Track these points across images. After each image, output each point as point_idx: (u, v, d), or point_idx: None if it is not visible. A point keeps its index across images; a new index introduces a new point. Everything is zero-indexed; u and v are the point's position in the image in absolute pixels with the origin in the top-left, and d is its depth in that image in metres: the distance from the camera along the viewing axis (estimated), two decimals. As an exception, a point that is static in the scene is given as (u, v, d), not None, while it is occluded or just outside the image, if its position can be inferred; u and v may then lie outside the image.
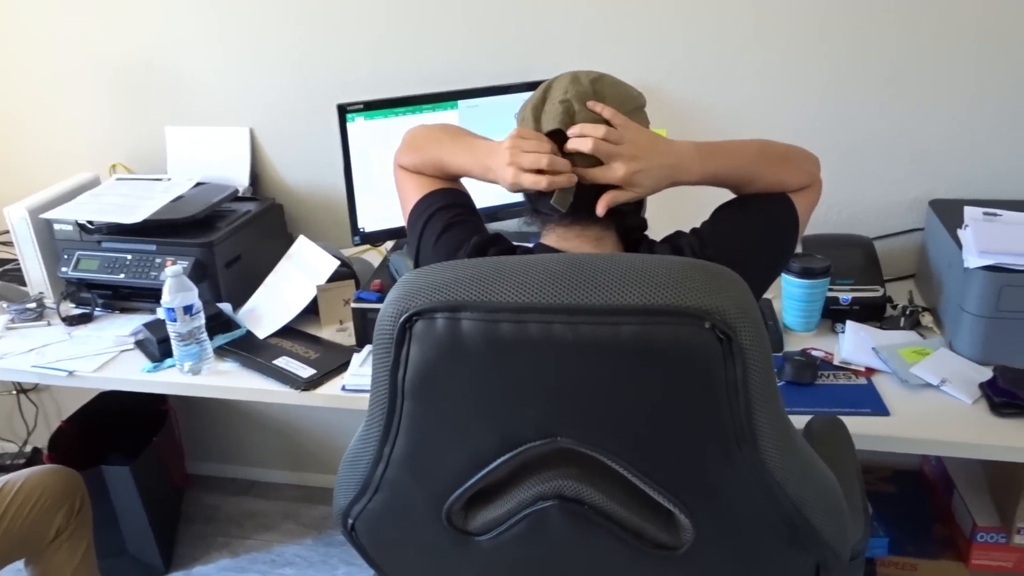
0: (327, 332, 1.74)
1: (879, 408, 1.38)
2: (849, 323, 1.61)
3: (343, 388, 1.54)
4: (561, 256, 0.83)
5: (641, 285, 0.75)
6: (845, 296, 1.65)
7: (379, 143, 1.71)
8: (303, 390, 1.54)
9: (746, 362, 0.75)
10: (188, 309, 1.57)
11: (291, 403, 1.56)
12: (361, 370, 1.58)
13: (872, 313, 1.65)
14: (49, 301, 1.90)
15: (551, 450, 0.83)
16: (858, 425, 1.35)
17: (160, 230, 1.81)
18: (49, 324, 1.84)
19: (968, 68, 1.70)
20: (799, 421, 1.35)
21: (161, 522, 2.24)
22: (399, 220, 1.82)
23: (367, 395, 0.88)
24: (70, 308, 1.87)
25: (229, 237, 1.84)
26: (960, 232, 1.55)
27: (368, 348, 1.65)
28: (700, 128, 1.85)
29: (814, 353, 1.55)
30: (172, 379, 1.62)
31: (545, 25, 1.84)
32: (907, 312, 1.65)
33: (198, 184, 2.00)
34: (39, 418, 2.57)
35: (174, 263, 1.78)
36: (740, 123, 1.83)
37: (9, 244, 2.00)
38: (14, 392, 2.50)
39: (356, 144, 1.69)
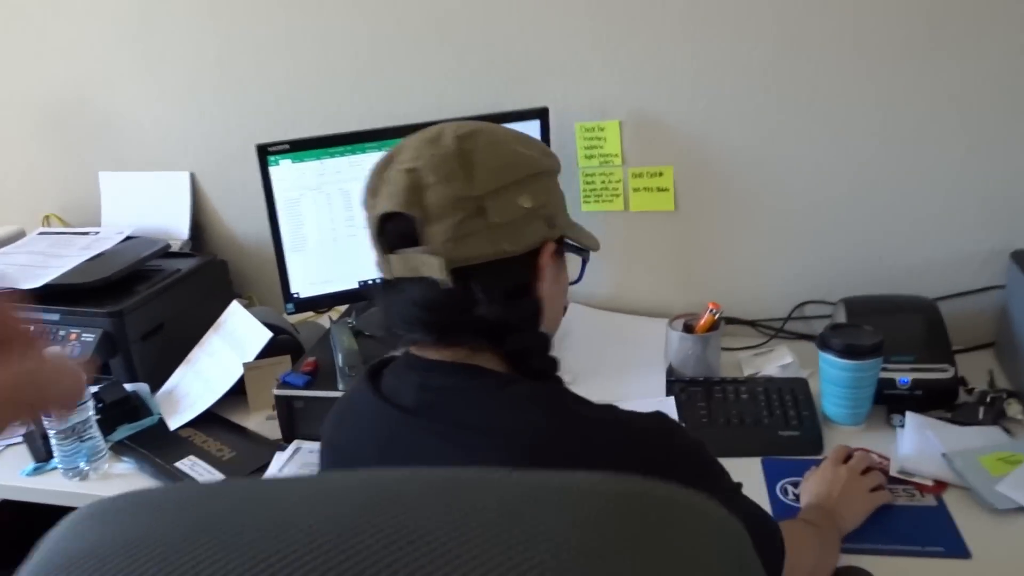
0: (256, 420, 1.43)
1: (955, 547, 1.00)
2: (910, 416, 1.23)
3: (253, 501, 1.21)
4: (297, 504, 0.38)
5: None
6: (904, 377, 1.27)
7: (310, 191, 1.40)
8: (203, 503, 1.22)
9: None
10: (68, 399, 1.26)
11: (189, 519, 1.23)
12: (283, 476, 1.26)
13: (940, 399, 1.27)
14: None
15: None
16: (927, 572, 0.97)
17: (68, 296, 1.53)
18: (-61, 408, 1.55)
19: (1056, 83, 1.33)
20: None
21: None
22: (341, 283, 1.52)
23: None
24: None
25: (148, 303, 1.54)
26: (1057, 296, 1.17)
27: (296, 445, 1.32)
28: (715, 170, 1.51)
29: (864, 458, 1.18)
30: (54, 485, 1.31)
31: (519, 47, 1.52)
32: (987, 399, 1.26)
33: (128, 238, 1.72)
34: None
35: (78, 337, 1.50)
36: (764, 163, 1.48)
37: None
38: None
39: (283, 193, 1.39)
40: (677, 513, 0.36)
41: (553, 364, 0.82)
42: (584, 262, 0.91)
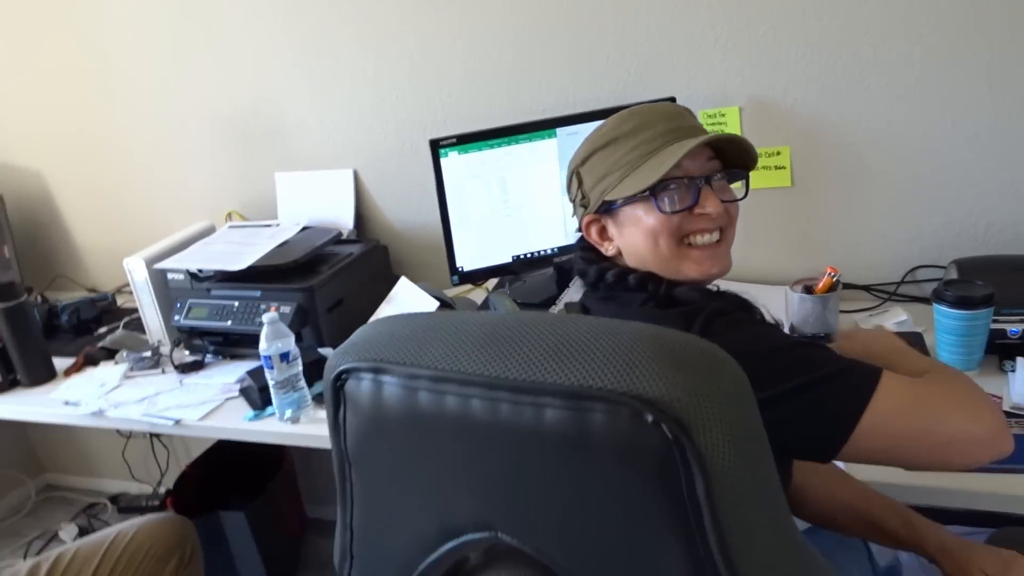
0: (427, 377, 1.67)
1: (1065, 465, 1.14)
2: (1020, 360, 1.36)
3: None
4: (491, 316, 0.71)
5: (573, 358, 0.60)
6: (1014, 328, 1.40)
7: (474, 178, 1.63)
8: (398, 440, 1.46)
9: (708, 473, 0.57)
10: (285, 356, 1.53)
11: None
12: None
13: (1050, 347, 1.40)
14: (166, 349, 1.94)
15: (493, 545, 0.70)
16: (1039, 485, 1.12)
17: (265, 276, 1.81)
18: (164, 372, 1.86)
19: None
20: (963, 485, 1.14)
21: (278, 568, 2.22)
22: (498, 257, 1.75)
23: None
24: (184, 355, 1.89)
25: (331, 281, 1.81)
26: None
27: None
28: (829, 148, 1.66)
29: (977, 397, 1.32)
30: (271, 428, 1.59)
31: (645, 43, 1.71)
32: (1095, 346, 1.38)
33: (304, 228, 2.00)
34: (170, 461, 2.64)
35: (277, 309, 1.77)
36: (875, 140, 1.63)
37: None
38: (148, 436, 2.58)
39: (451, 180, 1.63)
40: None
41: (638, 283, 1.01)
42: (666, 189, 0.99)
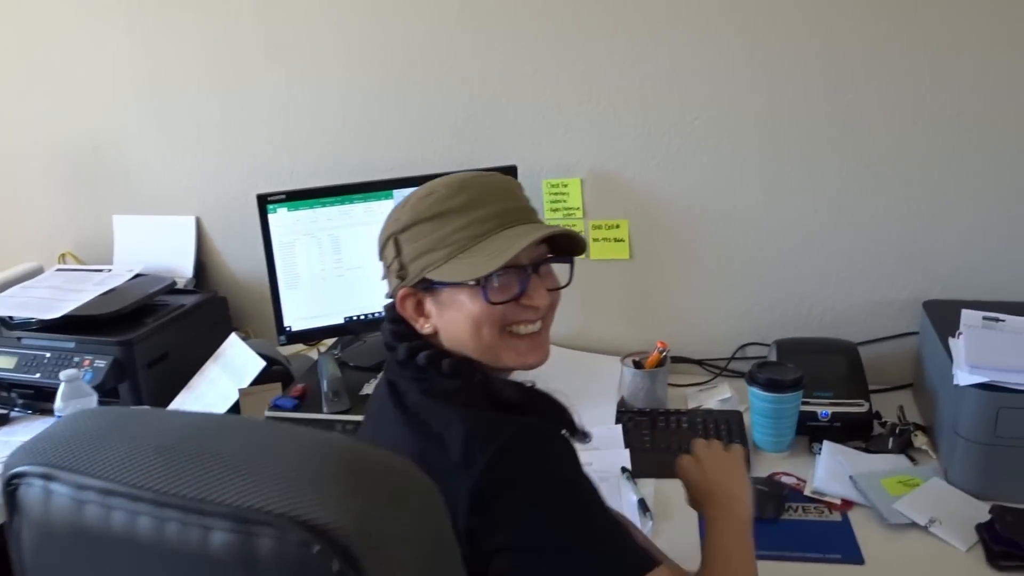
0: (248, 441, 1.58)
1: (851, 554, 1.16)
2: (826, 444, 1.40)
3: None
4: (187, 417, 0.66)
5: (248, 474, 0.56)
6: (824, 411, 1.44)
7: (304, 235, 1.57)
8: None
9: None
10: (82, 417, 1.42)
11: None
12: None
13: (856, 431, 1.43)
14: (-31, 400, 1.78)
15: None
16: (825, 575, 1.13)
17: (83, 326, 1.69)
18: (-39, 427, 1.71)
19: (959, 152, 1.52)
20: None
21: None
22: (330, 318, 1.69)
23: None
24: (-12, 408, 1.74)
25: (154, 334, 1.71)
26: (952, 341, 1.34)
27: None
28: (667, 223, 1.69)
29: (783, 480, 1.34)
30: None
31: (491, 111, 1.72)
32: (896, 431, 1.43)
33: (137, 275, 1.89)
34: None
35: (91, 363, 1.66)
36: (709, 218, 1.67)
37: (-60, 337, 1.90)
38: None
39: (279, 237, 1.56)
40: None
41: (453, 373, 0.94)
42: (492, 279, 0.93)
